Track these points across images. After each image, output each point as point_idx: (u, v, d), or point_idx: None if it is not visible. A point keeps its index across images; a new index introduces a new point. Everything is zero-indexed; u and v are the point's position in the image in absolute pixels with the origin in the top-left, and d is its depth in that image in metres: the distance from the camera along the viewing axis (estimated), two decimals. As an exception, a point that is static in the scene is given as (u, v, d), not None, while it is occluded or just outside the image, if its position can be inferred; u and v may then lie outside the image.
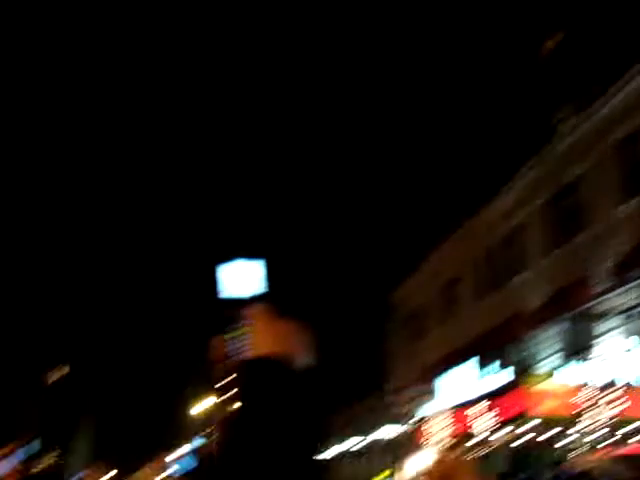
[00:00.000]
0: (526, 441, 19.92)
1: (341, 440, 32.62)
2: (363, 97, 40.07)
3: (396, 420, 27.49)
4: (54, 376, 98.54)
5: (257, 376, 1.47)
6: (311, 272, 44.67)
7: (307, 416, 1.50)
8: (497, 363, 23.58)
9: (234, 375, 1.55)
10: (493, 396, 19.55)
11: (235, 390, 1.49)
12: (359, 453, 32.64)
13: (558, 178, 21.31)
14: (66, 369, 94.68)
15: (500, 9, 25.90)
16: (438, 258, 29.37)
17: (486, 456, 22.60)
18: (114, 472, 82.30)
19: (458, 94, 30.58)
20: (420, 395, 25.90)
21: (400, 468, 29.59)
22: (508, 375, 20.22)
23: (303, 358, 1.39)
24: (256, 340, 1.42)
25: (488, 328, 23.61)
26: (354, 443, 31.86)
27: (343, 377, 40.21)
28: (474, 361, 22.80)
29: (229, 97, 57.89)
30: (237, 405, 1.54)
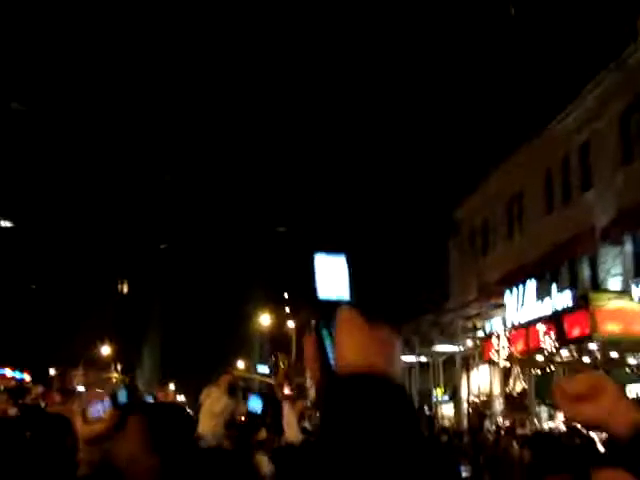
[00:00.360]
0: (592, 360, 19.80)
1: (404, 353, 33.05)
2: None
3: (459, 336, 27.57)
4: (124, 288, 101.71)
5: (356, 396, 1.06)
6: (380, 190, 44.75)
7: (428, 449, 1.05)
8: (564, 280, 23.33)
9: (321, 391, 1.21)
10: (559, 314, 19.38)
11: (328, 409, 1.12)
12: (422, 366, 33.05)
13: (634, 88, 20.37)
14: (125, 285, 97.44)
15: None
16: (504, 174, 28.84)
17: (550, 373, 22.64)
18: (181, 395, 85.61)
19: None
20: (484, 311, 25.87)
21: (461, 383, 30.00)
22: (575, 293, 19.91)
23: (397, 374, 1.10)
24: (345, 350, 1.11)
25: (555, 245, 23.23)
26: (417, 357, 32.21)
27: (408, 292, 40.61)
28: (540, 278, 22.51)
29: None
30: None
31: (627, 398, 1.57)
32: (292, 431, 6.05)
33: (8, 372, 43.19)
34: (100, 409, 2.37)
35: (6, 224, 71.99)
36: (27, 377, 45.06)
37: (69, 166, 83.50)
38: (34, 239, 74.84)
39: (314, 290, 1.29)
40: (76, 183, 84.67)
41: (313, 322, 1.27)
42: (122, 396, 2.44)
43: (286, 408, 6.24)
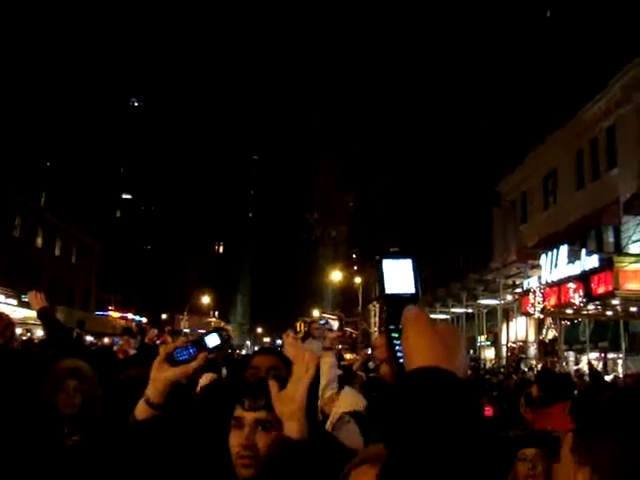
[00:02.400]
0: (614, 314, 19.57)
1: (453, 306, 33.09)
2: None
3: (500, 291, 27.44)
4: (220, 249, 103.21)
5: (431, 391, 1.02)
6: (433, 166, 44.50)
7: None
8: (592, 245, 22.98)
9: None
10: (587, 274, 19.14)
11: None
12: (468, 317, 33.04)
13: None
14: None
15: None
16: (540, 153, 28.44)
17: (577, 324, 22.44)
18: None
19: None
20: (522, 271, 25.65)
21: (501, 331, 29.90)
22: (601, 256, 19.60)
23: (460, 369, 0.92)
24: (412, 347, 1.09)
25: (584, 215, 22.91)
26: (465, 308, 32.21)
27: (456, 252, 40.47)
28: (571, 243, 22.21)
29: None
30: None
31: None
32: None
33: (130, 315, 45.06)
34: (186, 353, 2.07)
35: (127, 196, 74.58)
36: (144, 320, 46.90)
37: (181, 147, 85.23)
38: (151, 210, 77.22)
39: (383, 288, 1.23)
40: (180, 163, 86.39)
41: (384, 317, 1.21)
42: (211, 340, 2.13)
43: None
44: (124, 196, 74.77)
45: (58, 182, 48.11)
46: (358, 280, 61.04)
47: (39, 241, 39.70)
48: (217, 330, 2.21)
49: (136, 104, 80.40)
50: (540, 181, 29.18)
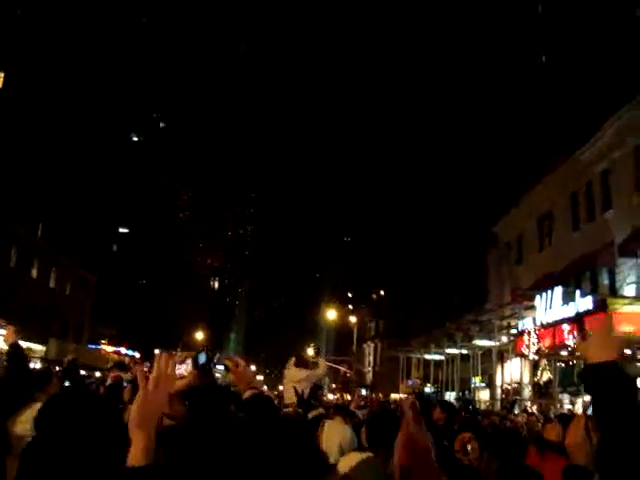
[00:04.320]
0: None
1: (448, 347, 32.89)
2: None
3: (495, 332, 27.34)
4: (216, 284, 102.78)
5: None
6: (431, 208, 44.72)
7: None
8: (586, 287, 23.00)
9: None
10: (581, 315, 19.14)
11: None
12: (463, 358, 32.83)
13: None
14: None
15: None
16: (535, 195, 28.68)
17: (571, 366, 22.34)
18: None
19: (557, 45, 29.07)
20: (517, 312, 25.60)
21: (496, 372, 29.69)
22: (595, 298, 19.63)
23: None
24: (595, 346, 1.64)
25: (579, 256, 23.01)
26: (459, 349, 32.01)
27: (452, 293, 40.42)
28: (566, 284, 22.26)
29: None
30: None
31: None
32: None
33: (123, 349, 44.66)
34: (183, 369, 2.34)
35: (124, 230, 74.54)
36: (137, 354, 46.45)
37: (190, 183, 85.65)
38: (147, 243, 77.10)
39: None
40: (176, 198, 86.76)
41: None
42: (202, 358, 2.43)
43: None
44: (121, 230, 74.84)
45: (55, 214, 48.19)
46: (353, 319, 60.79)
47: (34, 272, 39.58)
48: (206, 350, 2.41)
49: (135, 139, 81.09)
50: (535, 222, 29.35)
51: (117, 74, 63.78)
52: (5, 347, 5.10)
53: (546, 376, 25.08)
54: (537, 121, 29.66)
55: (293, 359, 6.86)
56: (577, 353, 20.54)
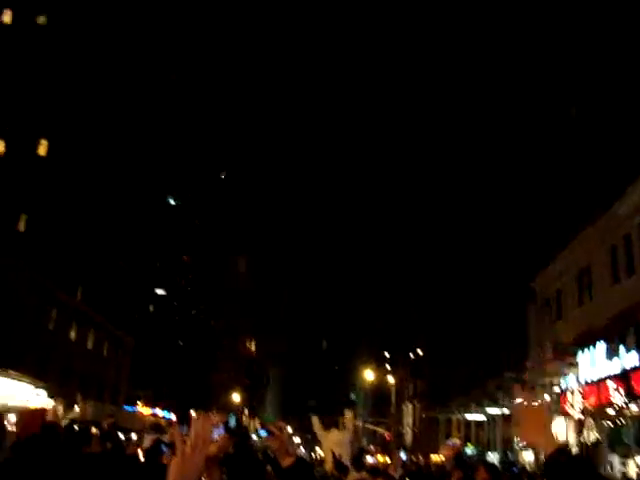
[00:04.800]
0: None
1: (489, 406, 32.06)
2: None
3: (537, 390, 26.58)
4: (251, 346, 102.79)
5: None
6: (468, 265, 44.36)
7: None
8: (630, 342, 22.32)
9: None
10: (627, 372, 18.53)
11: None
12: (505, 417, 31.89)
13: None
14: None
15: None
16: (574, 249, 28.26)
17: (620, 426, 21.50)
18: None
19: (594, 93, 29.11)
20: (559, 369, 24.92)
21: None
22: (641, 354, 19.00)
23: None
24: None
25: (621, 311, 22.38)
26: (500, 409, 31.15)
27: (491, 351, 39.60)
28: (609, 340, 21.64)
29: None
30: None
31: None
32: None
33: (159, 411, 44.49)
34: (215, 432, 2.30)
35: (161, 292, 75.30)
36: (173, 417, 46.20)
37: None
38: (183, 304, 77.70)
39: None
40: (211, 260, 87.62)
41: None
42: (232, 422, 2.45)
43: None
44: (158, 291, 75.61)
45: (94, 276, 49.00)
46: (391, 380, 59.78)
47: (72, 334, 40.05)
48: (235, 414, 2.37)
49: (172, 202, 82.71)
50: (574, 277, 28.82)
51: (151, 140, 65.64)
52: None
53: (593, 436, 24.12)
54: (573, 175, 29.49)
55: (316, 418, 6.75)
56: (625, 412, 19.81)
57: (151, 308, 72.60)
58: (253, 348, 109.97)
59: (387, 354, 73.59)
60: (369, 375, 63.13)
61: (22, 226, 42.98)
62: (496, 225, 39.18)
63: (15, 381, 21.48)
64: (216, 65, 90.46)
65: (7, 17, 45.82)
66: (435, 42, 65.56)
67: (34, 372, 25.81)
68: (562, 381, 24.35)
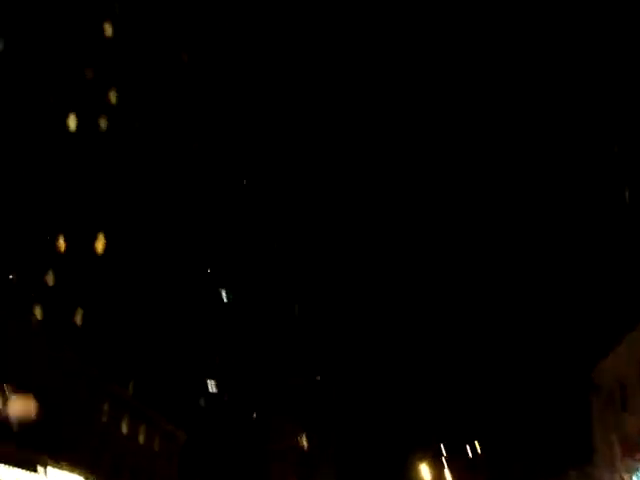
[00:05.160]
0: None
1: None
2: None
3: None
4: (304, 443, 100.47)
5: None
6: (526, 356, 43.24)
7: None
8: None
9: None
10: None
11: None
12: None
13: None
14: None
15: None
16: (634, 337, 27.21)
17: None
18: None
19: None
20: (629, 464, 23.50)
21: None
22: None
23: None
24: None
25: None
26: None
27: (552, 448, 37.71)
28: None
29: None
30: None
31: None
32: None
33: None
34: None
35: (212, 385, 75.11)
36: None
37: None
38: (234, 399, 76.99)
39: None
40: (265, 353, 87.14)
41: None
42: None
43: None
44: (209, 385, 75.21)
45: (146, 370, 49.24)
46: (448, 476, 57.22)
47: (124, 428, 39.88)
48: None
49: (225, 300, 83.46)
50: (636, 366, 27.58)
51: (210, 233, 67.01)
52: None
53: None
54: (633, 264, 28.92)
55: None
56: None
57: (202, 402, 72.11)
58: (305, 444, 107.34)
59: (442, 447, 70.73)
60: (425, 472, 60.61)
61: (78, 319, 43.90)
62: (555, 318, 38.37)
63: (66, 473, 21.43)
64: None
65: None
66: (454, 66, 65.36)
67: (86, 465, 25.71)
68: (634, 478, 22.93)
